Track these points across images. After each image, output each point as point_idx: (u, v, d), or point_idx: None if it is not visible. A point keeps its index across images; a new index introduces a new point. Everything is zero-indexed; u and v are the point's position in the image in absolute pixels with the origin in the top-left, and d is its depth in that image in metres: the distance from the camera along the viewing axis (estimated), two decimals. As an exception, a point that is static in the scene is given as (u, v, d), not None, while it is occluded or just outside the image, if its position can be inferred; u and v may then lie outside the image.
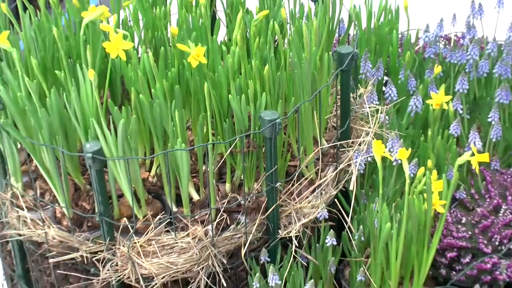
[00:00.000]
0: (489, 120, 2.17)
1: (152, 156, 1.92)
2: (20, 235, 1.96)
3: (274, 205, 1.88)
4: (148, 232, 1.85)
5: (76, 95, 1.84)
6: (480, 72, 2.33)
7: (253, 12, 2.08)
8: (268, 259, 1.91)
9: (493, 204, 2.03)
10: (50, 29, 1.97)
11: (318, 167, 2.01)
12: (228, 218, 1.88)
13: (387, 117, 2.15)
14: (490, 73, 2.33)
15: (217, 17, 2.22)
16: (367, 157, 2.03)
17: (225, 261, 1.88)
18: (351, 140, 2.06)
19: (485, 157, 1.83)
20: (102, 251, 1.85)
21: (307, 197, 1.96)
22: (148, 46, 2.05)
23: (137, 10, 2.07)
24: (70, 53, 1.98)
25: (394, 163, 2.02)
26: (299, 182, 1.97)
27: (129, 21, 2.09)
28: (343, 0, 2.13)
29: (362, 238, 1.96)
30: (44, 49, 1.98)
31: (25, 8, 2.02)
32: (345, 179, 2.04)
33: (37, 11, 2.03)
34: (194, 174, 1.96)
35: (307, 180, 1.99)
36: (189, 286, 1.87)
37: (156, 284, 1.84)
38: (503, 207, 2.02)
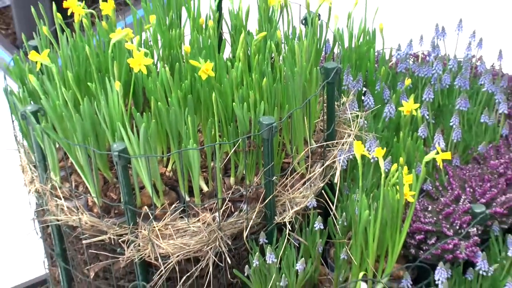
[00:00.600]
0: (451, 124, 2.18)
1: (168, 154, 1.92)
2: (58, 220, 1.97)
3: (271, 196, 1.89)
4: (165, 218, 1.86)
5: (105, 103, 1.85)
6: (443, 84, 2.34)
7: (253, 34, 2.09)
8: (266, 241, 1.91)
9: (454, 195, 2.04)
10: (83, 48, 1.98)
11: (307, 163, 2.01)
12: (232, 206, 1.89)
13: (365, 122, 2.15)
14: (451, 85, 2.34)
15: (223, 37, 2.22)
16: (349, 155, 2.03)
17: (229, 243, 1.89)
18: (335, 141, 2.06)
19: (447, 155, 1.84)
20: (126, 234, 1.86)
21: (299, 188, 1.96)
22: (165, 62, 2.06)
23: (156, 32, 2.08)
24: (100, 68, 1.98)
25: (372, 160, 2.03)
26: (292, 176, 1.98)
27: (150, 41, 2.09)
28: (329, 23, 2.13)
29: (345, 223, 1.96)
30: (78, 64, 1.99)
31: (62, 30, 2.03)
32: (331, 173, 2.04)
33: (73, 33, 2.04)
34: (204, 170, 1.96)
35: (298, 174, 1.99)
36: (200, 263, 1.88)
37: (171, 261, 1.85)
38: (463, 197, 2.03)
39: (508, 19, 4.38)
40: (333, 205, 2.01)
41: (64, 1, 2.00)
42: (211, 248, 1.86)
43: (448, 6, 4.43)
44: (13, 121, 2.08)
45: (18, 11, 3.72)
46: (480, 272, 1.91)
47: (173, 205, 1.88)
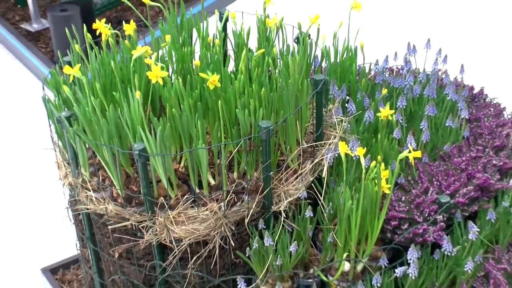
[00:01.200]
0: (421, 127, 2.16)
1: (181, 153, 1.92)
2: (87, 209, 1.97)
3: (268, 188, 1.88)
4: (178, 207, 1.85)
5: (127, 110, 1.84)
6: (414, 93, 2.33)
7: (253, 50, 2.08)
8: (264, 227, 1.90)
9: (424, 187, 2.03)
10: (109, 63, 1.97)
11: (299, 161, 2.00)
12: (235, 197, 1.88)
13: (349, 125, 2.14)
14: (421, 94, 2.33)
15: (227, 53, 2.21)
16: (334, 154, 2.02)
17: (233, 228, 1.88)
18: (323, 142, 2.05)
19: (418, 154, 1.84)
20: (145, 220, 1.85)
21: (292, 182, 1.95)
22: (178, 75, 2.05)
23: (171, 49, 2.07)
24: (123, 80, 1.98)
25: (354, 158, 2.02)
26: (286, 172, 1.97)
27: (165, 57, 2.09)
28: (317, 42, 2.13)
29: (331, 212, 1.95)
30: (104, 76, 1.99)
31: (91, 48, 2.03)
32: (319, 169, 2.03)
33: (100, 50, 2.04)
34: (211, 166, 1.95)
35: (292, 170, 1.98)
36: (208, 246, 1.88)
37: (184, 244, 1.84)
38: (431, 189, 2.02)
39: (469, 39, 4.38)
40: (321, 196, 2.00)
41: (94, 23, 2.01)
42: (217, 232, 1.86)
43: (418, 27, 4.43)
44: (50, 125, 2.08)
45: (55, 32, 3.72)
46: (445, 252, 1.91)
47: (185, 196, 1.87)
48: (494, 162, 2.13)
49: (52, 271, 2.60)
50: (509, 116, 2.38)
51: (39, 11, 4.28)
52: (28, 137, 3.37)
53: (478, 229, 1.94)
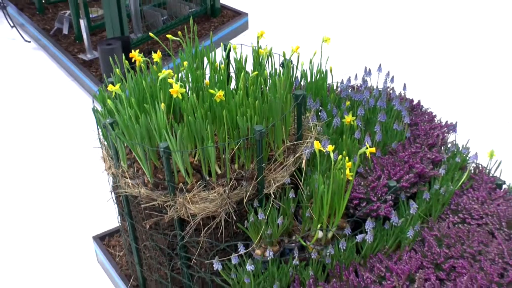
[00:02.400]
0: (375, 130, 2.15)
1: (195, 149, 1.89)
2: (126, 192, 1.94)
3: (261, 176, 1.85)
4: (193, 190, 1.82)
5: (155, 117, 1.81)
6: (370, 104, 2.30)
7: (249, 72, 2.05)
8: (258, 205, 1.88)
9: (377, 175, 2.01)
10: (142, 82, 1.95)
11: (284, 155, 1.97)
12: (236, 183, 1.86)
13: (321, 128, 2.12)
14: (375, 105, 2.31)
15: (230, 75, 2.18)
16: (311, 150, 2.00)
17: (234, 206, 1.85)
18: (302, 141, 2.02)
19: (373, 150, 1.83)
20: (169, 201, 1.83)
21: (279, 171, 1.93)
22: (193, 91, 2.03)
23: (188, 72, 2.05)
24: (152, 95, 1.95)
25: (325, 153, 2.00)
26: (274, 163, 1.94)
27: (183, 78, 2.06)
28: (298, 66, 2.12)
29: (309, 193, 1.93)
30: (138, 93, 1.96)
31: (128, 71, 2.00)
32: (299, 161, 2.00)
33: (135, 73, 2.01)
34: (218, 159, 1.92)
35: (278, 162, 1.96)
36: (215, 219, 1.85)
37: (197, 218, 1.82)
38: (382, 176, 2.00)
39: (409, 64, 4.38)
40: (301, 182, 1.97)
41: (130, 53, 1.99)
42: (222, 209, 1.83)
43: (373, 55, 4.42)
44: (98, 129, 2.06)
45: (102, 60, 3.72)
46: (393, 223, 1.91)
47: (198, 182, 1.84)
48: (428, 156, 2.13)
49: (101, 238, 2.59)
50: (439, 122, 2.38)
51: (92, 45, 4.31)
52: (81, 138, 3.36)
53: (417, 206, 1.95)
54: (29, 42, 4.75)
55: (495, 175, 2.22)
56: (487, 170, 2.24)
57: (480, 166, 2.26)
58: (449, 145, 2.28)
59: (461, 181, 2.13)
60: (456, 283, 1.75)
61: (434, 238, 1.91)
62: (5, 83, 4.18)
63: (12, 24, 4.86)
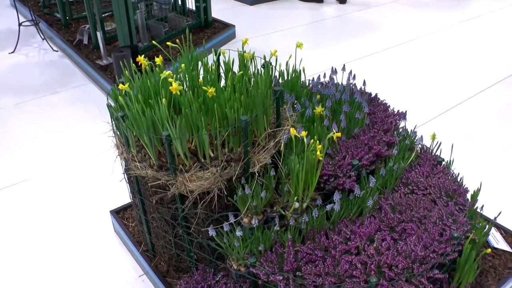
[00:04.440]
0: (341, 118, 2.12)
1: (192, 137, 1.84)
2: (136, 173, 1.88)
3: (247, 158, 1.80)
4: (191, 171, 1.77)
5: (158, 111, 1.76)
6: (336, 98, 2.26)
7: (236, 72, 2.00)
8: (245, 182, 1.83)
9: (343, 155, 1.98)
10: (147, 82, 1.89)
11: (266, 140, 1.93)
12: (226, 164, 1.80)
13: (296, 118, 2.08)
14: (340, 98, 2.27)
15: (220, 75, 2.13)
16: (288, 136, 1.96)
17: (225, 183, 1.80)
18: (280, 128, 1.98)
19: (339, 135, 1.80)
20: (171, 180, 1.78)
21: (262, 154, 1.88)
22: (189, 88, 1.97)
23: (185, 73, 1.98)
24: (155, 92, 1.90)
25: (300, 138, 1.96)
26: (257, 147, 1.90)
27: (181, 77, 2.01)
28: (276, 67, 2.07)
29: (287, 172, 1.89)
30: (144, 90, 1.90)
31: (135, 72, 1.94)
32: (279, 145, 1.96)
33: (141, 74, 1.95)
34: (211, 145, 1.87)
35: (261, 146, 1.91)
36: (209, 194, 1.80)
37: (195, 193, 1.78)
38: (347, 156, 1.97)
39: (367, 65, 4.35)
40: (280, 162, 1.93)
41: (137, 58, 1.93)
42: (215, 186, 1.78)
43: (338, 57, 4.39)
44: (112, 121, 1.99)
45: (115, 64, 3.66)
46: (356, 195, 1.88)
47: (195, 164, 1.79)
48: (384, 139, 2.10)
49: (116, 212, 2.54)
50: (392, 111, 2.35)
51: (107, 53, 4.25)
52: (98, 129, 3.30)
53: (375, 180, 1.92)
54: (57, 51, 4.76)
55: (436, 154, 2.21)
56: (430, 150, 2.23)
57: (424, 147, 2.25)
58: (400, 130, 2.26)
59: (410, 159, 2.11)
60: (407, 242, 1.74)
61: (389, 206, 1.89)
62: (38, 85, 4.15)
63: (43, 37, 4.93)
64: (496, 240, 2.23)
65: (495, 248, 2.19)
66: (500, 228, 2.32)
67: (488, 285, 2.01)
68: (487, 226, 1.96)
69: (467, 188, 2.01)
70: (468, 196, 2.00)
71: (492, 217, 2.05)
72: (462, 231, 1.76)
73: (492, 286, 2.00)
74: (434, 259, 1.67)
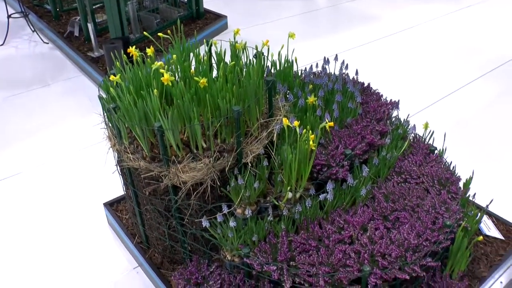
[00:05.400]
0: (333, 108, 2.11)
1: (184, 127, 1.82)
2: (128, 165, 1.87)
3: (239, 148, 1.80)
4: (183, 162, 1.76)
5: (150, 102, 1.74)
6: (329, 87, 2.26)
7: (228, 63, 1.99)
8: (238, 172, 1.83)
9: (336, 145, 1.98)
10: (138, 73, 1.87)
11: (259, 130, 1.92)
12: (219, 155, 1.80)
13: (289, 108, 2.07)
14: (333, 88, 2.26)
15: (212, 65, 2.11)
16: (280, 126, 1.95)
17: (218, 174, 1.80)
18: (273, 118, 1.97)
19: (331, 124, 1.80)
20: (164, 171, 1.77)
21: (254, 144, 1.88)
22: (181, 79, 1.95)
23: (177, 64, 1.97)
24: (147, 83, 1.88)
25: (292, 128, 1.95)
26: (250, 137, 1.89)
27: (173, 68, 1.99)
28: (268, 57, 2.05)
29: (279, 162, 1.88)
30: (135, 81, 1.88)
31: (127, 64, 1.92)
32: (271, 135, 1.95)
33: (132, 65, 1.93)
34: (203, 136, 1.86)
35: (254, 136, 1.90)
36: (203, 185, 1.80)
37: (188, 185, 1.77)
38: (340, 146, 1.97)
39: (360, 54, 4.34)
40: (273, 152, 1.92)
41: (127, 48, 1.91)
42: (208, 177, 1.78)
43: (330, 47, 4.37)
44: (103, 112, 1.97)
45: (107, 56, 3.63)
46: (349, 184, 1.88)
47: (188, 155, 1.78)
48: (376, 128, 2.10)
49: (110, 205, 2.53)
50: (385, 100, 2.34)
51: (98, 45, 4.21)
52: (90, 121, 3.27)
53: (368, 169, 1.92)
54: (48, 43, 4.70)
55: (429, 142, 2.21)
56: (423, 139, 2.23)
57: (417, 136, 2.25)
58: (393, 119, 2.25)
59: (403, 148, 2.11)
60: (400, 230, 1.74)
61: (382, 195, 1.90)
62: (29, 77, 4.10)
63: (33, 29, 4.84)
64: (488, 227, 2.25)
65: (487, 236, 2.21)
66: (491, 215, 2.34)
67: (480, 272, 2.02)
68: (479, 214, 1.97)
69: (459, 176, 2.02)
70: (461, 184, 2.01)
71: (484, 205, 2.06)
72: (455, 219, 1.77)
73: (484, 273, 2.02)
74: (427, 247, 1.68)
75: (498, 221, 2.30)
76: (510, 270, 2.05)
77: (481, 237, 1.94)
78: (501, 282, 1.99)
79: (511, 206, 2.51)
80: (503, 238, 2.20)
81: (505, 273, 2.03)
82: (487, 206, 2.00)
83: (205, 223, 1.80)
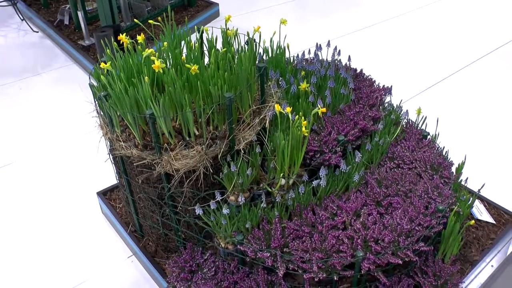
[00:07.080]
0: (326, 94, 2.09)
1: (176, 115, 1.81)
2: (121, 153, 1.86)
3: (232, 135, 1.78)
4: (176, 149, 1.75)
5: (141, 89, 1.72)
6: (321, 73, 2.24)
7: (219, 50, 1.97)
8: (231, 159, 1.82)
9: (328, 131, 1.97)
10: (129, 60, 1.85)
11: (251, 117, 1.91)
12: (211, 142, 1.79)
13: (281, 94, 2.06)
14: (325, 74, 2.24)
15: (204, 52, 2.09)
16: (273, 112, 1.94)
17: (211, 161, 1.79)
18: (265, 105, 1.96)
19: (324, 110, 1.78)
20: (156, 159, 1.75)
21: (247, 131, 1.87)
22: (172, 66, 1.93)
23: (168, 51, 1.94)
24: (138, 71, 1.86)
25: (285, 114, 1.94)
26: (243, 124, 1.88)
27: (164, 55, 1.97)
28: (260, 43, 2.04)
29: (272, 148, 1.88)
30: (126, 69, 1.85)
31: (117, 51, 1.90)
32: (264, 122, 1.94)
33: (123, 52, 1.91)
34: (195, 123, 1.84)
35: (246, 123, 1.89)
36: (195, 173, 1.79)
37: (181, 172, 1.76)
38: (332, 132, 1.96)
39: (352, 40, 4.33)
40: (265, 138, 1.92)
41: (118, 36, 1.88)
42: (201, 164, 1.76)
43: (322, 33, 4.35)
44: (95, 101, 1.95)
45: (97, 44, 3.59)
46: (342, 170, 1.88)
47: (180, 142, 1.76)
48: (369, 114, 2.09)
49: (103, 194, 2.52)
50: (377, 86, 2.34)
51: (89, 33, 4.16)
52: (81, 109, 3.25)
53: (361, 155, 1.92)
54: (37, 32, 4.63)
55: (421, 128, 2.21)
56: (416, 125, 2.23)
57: (410, 121, 2.25)
58: (386, 105, 2.25)
59: (396, 134, 2.11)
60: (393, 216, 1.75)
61: (375, 180, 1.90)
62: (19, 67, 4.06)
63: (22, 18, 4.77)
64: (480, 212, 2.26)
65: (479, 220, 2.22)
66: (483, 200, 2.35)
67: (471, 256, 2.04)
68: (471, 199, 1.98)
69: (452, 161, 2.03)
70: (453, 169, 2.02)
71: (476, 190, 2.07)
72: (447, 204, 1.78)
73: (475, 257, 2.04)
74: (419, 232, 1.69)
75: (490, 206, 2.32)
76: (501, 253, 2.07)
77: (473, 222, 1.96)
78: (492, 266, 2.01)
79: (503, 191, 2.53)
80: (494, 222, 2.21)
81: (496, 257, 2.05)
82: (479, 190, 2.01)
83: (198, 210, 1.80)
